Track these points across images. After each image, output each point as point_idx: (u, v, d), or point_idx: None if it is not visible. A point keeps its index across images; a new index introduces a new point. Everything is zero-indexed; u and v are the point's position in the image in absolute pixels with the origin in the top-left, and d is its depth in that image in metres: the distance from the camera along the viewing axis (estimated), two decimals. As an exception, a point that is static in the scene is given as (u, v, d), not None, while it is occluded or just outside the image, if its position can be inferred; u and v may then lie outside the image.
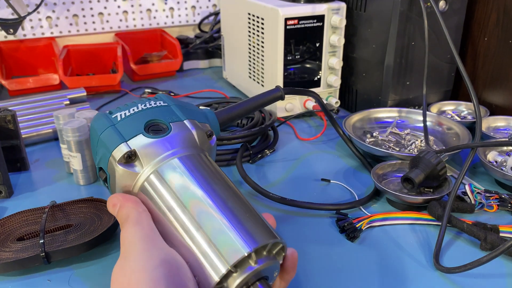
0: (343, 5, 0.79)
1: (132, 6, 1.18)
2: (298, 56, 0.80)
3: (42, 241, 0.47)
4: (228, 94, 0.98)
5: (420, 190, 0.59)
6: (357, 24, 0.83)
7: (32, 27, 1.10)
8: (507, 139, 0.70)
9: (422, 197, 0.56)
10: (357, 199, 0.60)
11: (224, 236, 0.33)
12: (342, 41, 0.81)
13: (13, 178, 0.65)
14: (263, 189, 0.59)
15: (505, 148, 0.67)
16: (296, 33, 0.78)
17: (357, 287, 0.45)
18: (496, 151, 0.66)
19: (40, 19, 1.10)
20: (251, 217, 0.35)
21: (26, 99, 0.83)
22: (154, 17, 1.22)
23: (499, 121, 0.76)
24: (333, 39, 0.80)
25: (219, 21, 1.18)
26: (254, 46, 0.86)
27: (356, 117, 0.76)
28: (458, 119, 0.80)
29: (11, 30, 0.98)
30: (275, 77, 0.81)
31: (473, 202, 0.57)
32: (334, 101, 0.84)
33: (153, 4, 1.20)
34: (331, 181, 0.64)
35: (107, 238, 0.51)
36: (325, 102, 0.84)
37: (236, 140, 0.70)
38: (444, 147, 0.70)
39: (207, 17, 1.24)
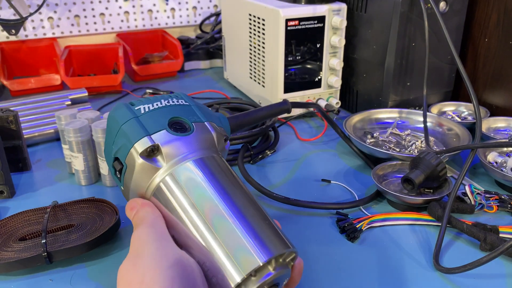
0: (344, 6, 0.79)
1: (133, 6, 1.18)
2: (299, 57, 0.81)
3: (44, 241, 0.48)
4: (229, 94, 0.98)
5: (420, 190, 0.59)
6: (357, 25, 0.83)
7: (33, 28, 1.10)
8: (507, 140, 0.70)
9: (422, 198, 0.56)
10: (357, 198, 0.60)
11: (241, 244, 0.33)
12: (343, 42, 0.81)
13: (15, 178, 0.65)
14: (265, 188, 0.59)
15: (505, 149, 0.67)
16: (296, 34, 0.78)
17: (357, 287, 0.46)
18: (496, 152, 0.66)
19: (41, 20, 1.10)
20: (267, 225, 0.35)
21: (28, 100, 0.83)
22: (155, 18, 1.22)
23: (500, 122, 0.76)
24: (334, 40, 0.80)
25: (220, 22, 1.18)
26: (255, 47, 0.87)
27: (356, 118, 0.77)
28: (459, 120, 0.80)
29: (13, 31, 0.99)
30: (276, 77, 0.81)
31: (473, 203, 0.57)
32: (334, 101, 0.85)
33: (154, 5, 1.20)
34: (331, 181, 0.64)
35: (108, 238, 0.52)
36: (325, 102, 0.84)
37: (237, 140, 0.70)
38: (444, 148, 0.70)
39: (208, 17, 1.24)
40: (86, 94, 0.88)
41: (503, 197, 0.58)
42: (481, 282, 0.46)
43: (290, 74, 0.81)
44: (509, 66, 0.78)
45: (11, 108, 0.66)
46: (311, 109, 0.83)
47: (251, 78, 0.92)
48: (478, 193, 0.58)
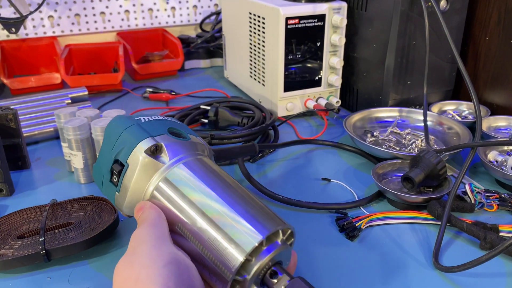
0: (344, 5, 0.79)
1: (133, 5, 1.18)
2: (299, 56, 0.80)
3: (42, 238, 0.48)
4: (229, 93, 0.98)
5: (420, 189, 0.59)
6: (358, 24, 0.83)
7: (34, 26, 1.10)
8: (507, 138, 0.70)
9: (422, 197, 0.56)
10: (357, 198, 0.60)
11: (238, 227, 0.35)
12: (343, 40, 0.81)
13: (14, 177, 0.65)
14: (267, 189, 0.59)
15: (505, 147, 0.67)
16: (297, 33, 0.78)
17: (356, 286, 0.45)
18: (496, 151, 0.66)
19: (42, 18, 1.10)
20: (259, 208, 0.37)
21: (28, 98, 0.83)
22: (156, 17, 1.22)
23: (500, 121, 0.76)
24: (334, 38, 0.80)
25: (220, 21, 1.18)
26: (255, 46, 0.86)
27: (356, 117, 0.76)
28: (459, 118, 0.80)
29: (13, 29, 0.99)
30: (276, 76, 0.81)
31: (473, 201, 0.57)
32: (335, 100, 0.85)
33: (154, 4, 1.20)
34: (331, 180, 0.64)
35: (107, 236, 0.51)
36: (326, 101, 0.84)
37: (237, 139, 0.70)
38: (444, 147, 0.70)
39: (208, 16, 1.24)
40: (86, 92, 0.88)
41: (503, 195, 0.57)
42: (480, 281, 0.46)
43: (290, 73, 0.81)
44: (509, 65, 0.78)
45: (11, 107, 0.66)
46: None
47: (251, 77, 0.91)
48: (478, 192, 0.57)
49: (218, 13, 1.22)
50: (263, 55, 0.84)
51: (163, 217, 0.37)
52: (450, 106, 0.84)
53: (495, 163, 0.64)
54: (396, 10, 0.73)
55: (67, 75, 0.95)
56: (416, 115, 0.77)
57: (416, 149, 0.69)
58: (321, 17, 0.78)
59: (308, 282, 0.33)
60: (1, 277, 0.47)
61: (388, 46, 0.76)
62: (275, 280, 0.34)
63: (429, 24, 0.73)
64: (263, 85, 0.86)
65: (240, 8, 0.90)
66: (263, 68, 0.85)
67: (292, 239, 0.38)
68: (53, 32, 1.12)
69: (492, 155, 0.65)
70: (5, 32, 1.05)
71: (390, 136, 0.74)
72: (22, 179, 0.65)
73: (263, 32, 0.82)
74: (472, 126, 0.73)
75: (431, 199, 0.55)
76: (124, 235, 0.53)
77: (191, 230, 0.36)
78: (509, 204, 0.57)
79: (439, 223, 0.53)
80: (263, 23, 0.81)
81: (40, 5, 1.01)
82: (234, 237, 0.34)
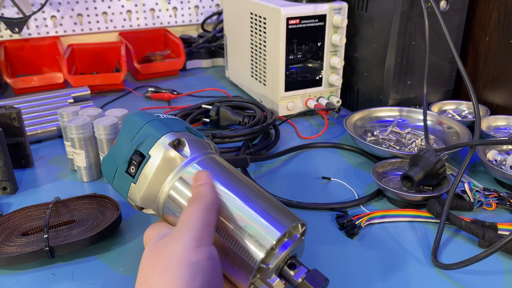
0: (345, 5, 0.80)
1: (136, 5, 1.19)
2: (300, 56, 0.81)
3: (46, 235, 0.48)
4: (230, 93, 0.99)
5: (420, 188, 0.59)
6: (358, 24, 0.83)
7: (37, 26, 1.11)
8: (506, 138, 0.70)
9: (421, 195, 0.56)
10: (357, 197, 0.60)
11: (257, 224, 0.37)
12: (344, 40, 0.81)
13: (17, 175, 0.66)
14: (265, 190, 0.60)
15: (504, 147, 0.67)
16: (298, 33, 0.78)
17: (356, 283, 0.46)
18: (495, 150, 0.66)
19: (45, 18, 1.11)
20: (275, 206, 0.39)
21: (31, 97, 0.84)
22: (158, 17, 1.22)
23: (500, 121, 0.76)
24: (335, 38, 0.81)
25: (222, 21, 1.18)
26: (256, 46, 0.87)
27: (357, 116, 0.77)
28: (459, 118, 0.80)
29: (16, 29, 1.00)
30: (277, 76, 0.81)
31: (472, 200, 0.57)
32: (335, 100, 0.85)
33: (156, 4, 1.21)
34: (331, 179, 0.65)
35: (110, 234, 0.52)
36: (326, 101, 0.84)
37: (238, 138, 0.71)
38: (444, 146, 0.70)
39: (210, 16, 1.25)
40: (89, 92, 0.89)
41: (502, 194, 0.58)
42: (479, 278, 0.46)
43: (291, 73, 0.82)
44: (509, 65, 0.78)
45: (15, 106, 0.66)
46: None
47: (252, 76, 0.92)
48: (477, 191, 0.58)
49: (219, 13, 1.23)
50: (264, 55, 0.84)
51: (217, 201, 0.37)
52: (450, 105, 0.84)
53: (494, 162, 0.65)
54: (396, 11, 0.74)
55: (69, 75, 0.95)
56: (416, 115, 0.78)
57: (416, 149, 0.70)
58: (322, 17, 0.79)
59: (323, 274, 0.36)
60: (5, 273, 0.47)
61: (388, 46, 0.77)
62: (293, 272, 0.36)
63: (429, 24, 0.73)
64: (264, 84, 0.87)
65: (241, 8, 0.90)
66: (264, 67, 0.85)
67: (304, 236, 0.40)
68: (56, 32, 1.13)
69: (491, 154, 0.66)
70: (8, 32, 1.06)
71: (390, 135, 0.74)
72: (26, 178, 0.66)
73: (264, 32, 0.82)
74: (471, 126, 0.74)
75: (430, 198, 0.56)
76: (126, 232, 0.54)
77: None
78: (508, 203, 0.57)
79: (438, 221, 0.54)
80: (264, 23, 0.82)
81: (43, 5, 1.01)
82: (255, 236, 0.36)
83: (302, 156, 0.72)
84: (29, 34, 1.10)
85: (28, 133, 0.72)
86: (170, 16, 1.24)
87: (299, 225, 0.39)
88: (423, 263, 0.49)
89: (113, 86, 1.00)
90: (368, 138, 0.73)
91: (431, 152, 0.58)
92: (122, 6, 1.17)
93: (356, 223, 0.54)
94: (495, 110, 0.82)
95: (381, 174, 0.63)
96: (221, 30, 1.16)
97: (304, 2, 0.79)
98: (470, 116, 0.81)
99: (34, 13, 1.00)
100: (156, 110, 0.91)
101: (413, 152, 0.63)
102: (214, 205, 0.37)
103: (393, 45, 0.76)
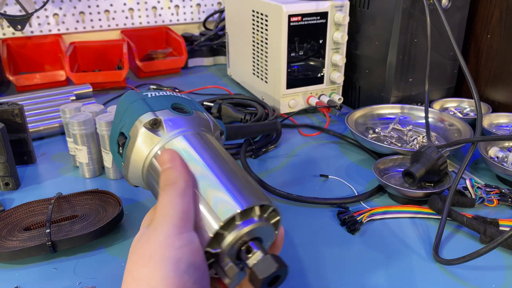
0: (347, 2, 0.80)
1: (137, 3, 1.19)
2: (302, 53, 0.81)
3: (48, 230, 0.49)
4: (232, 91, 0.99)
5: (421, 184, 0.59)
6: (360, 21, 0.83)
7: (39, 24, 1.11)
8: (508, 134, 0.70)
9: (422, 191, 0.56)
10: (356, 194, 0.61)
11: (221, 197, 0.35)
12: (346, 38, 0.81)
13: (20, 171, 0.66)
14: (267, 184, 0.60)
15: (506, 143, 0.67)
16: (299, 30, 0.78)
17: (358, 278, 0.46)
18: (497, 147, 0.66)
19: (47, 16, 1.11)
20: (247, 183, 0.37)
21: (33, 95, 0.84)
22: (160, 15, 1.23)
23: (501, 118, 0.76)
24: (337, 36, 0.81)
25: (223, 19, 1.18)
26: (258, 43, 0.87)
27: (358, 113, 0.77)
28: (461, 116, 0.80)
29: (19, 27, 1.00)
30: (279, 73, 0.81)
31: (473, 196, 0.57)
32: (337, 97, 0.85)
33: (158, 2, 1.21)
34: (329, 176, 0.65)
35: (111, 229, 0.52)
36: (328, 98, 0.84)
37: (240, 135, 0.71)
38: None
39: (211, 14, 1.25)
40: (91, 89, 0.89)
41: (503, 191, 0.58)
42: (480, 273, 0.46)
43: (293, 70, 0.82)
44: (511, 62, 0.78)
45: (17, 102, 0.67)
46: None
47: (254, 74, 0.92)
48: (478, 187, 0.58)
49: (221, 11, 1.23)
50: (266, 52, 0.84)
51: (191, 183, 0.36)
52: (451, 103, 0.84)
53: (496, 159, 0.65)
54: (398, 8, 0.74)
55: (71, 72, 0.96)
56: (418, 112, 0.78)
57: (417, 146, 0.70)
58: (324, 15, 0.79)
59: (281, 261, 0.32)
60: (8, 268, 0.48)
61: (390, 43, 0.77)
62: (250, 255, 0.33)
63: (431, 21, 0.73)
64: (266, 82, 0.87)
65: (243, 6, 0.90)
66: (266, 65, 0.86)
67: (278, 218, 0.37)
68: (58, 29, 1.13)
69: (493, 151, 0.66)
70: (11, 29, 1.06)
71: (391, 132, 0.74)
72: (28, 174, 0.66)
73: (266, 30, 0.82)
74: (473, 123, 0.74)
75: (431, 194, 0.56)
76: (128, 228, 0.54)
77: None
78: (510, 199, 0.57)
79: (440, 217, 0.54)
80: (266, 20, 0.82)
81: (45, 3, 1.02)
82: (214, 208, 0.34)
83: (304, 153, 0.72)
84: (32, 32, 1.11)
85: (30, 130, 0.72)
86: (172, 14, 1.24)
87: (259, 208, 0.35)
88: (424, 258, 0.49)
89: (115, 83, 1.01)
90: (369, 135, 0.73)
91: (433, 149, 0.58)
92: (124, 4, 1.18)
93: (358, 219, 0.54)
94: (496, 107, 0.82)
95: (382, 170, 0.63)
96: (223, 28, 1.16)
97: (306, -1, 0.79)
98: (471, 114, 0.81)
99: (36, 10, 1.01)
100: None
101: (414, 149, 0.63)
102: (188, 188, 0.36)
103: (395, 42, 0.76)
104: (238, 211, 0.33)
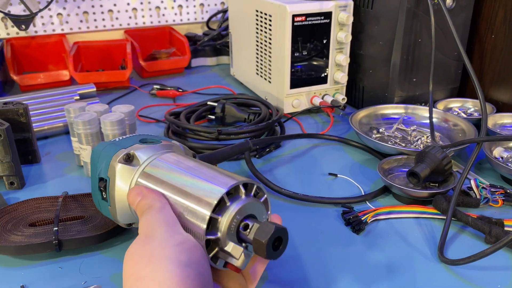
0: (351, 2, 0.80)
1: (141, 3, 1.19)
2: (305, 53, 0.81)
3: (56, 228, 0.49)
4: (235, 91, 0.99)
5: (426, 184, 0.59)
6: (364, 21, 0.83)
7: (43, 24, 1.11)
8: (513, 135, 0.70)
9: (427, 191, 0.56)
10: (363, 193, 0.61)
11: (202, 189, 0.37)
12: (349, 38, 0.81)
13: (24, 170, 0.66)
14: (273, 183, 0.60)
15: (511, 144, 0.67)
16: (303, 30, 0.78)
17: (362, 278, 0.46)
18: (502, 147, 0.66)
19: (51, 16, 1.11)
20: (222, 172, 0.39)
21: (37, 94, 0.85)
22: (163, 15, 1.23)
23: (506, 118, 0.76)
24: (340, 36, 0.81)
25: (227, 19, 1.18)
26: (261, 43, 0.87)
27: (362, 113, 0.77)
28: (465, 116, 0.80)
29: (23, 26, 1.00)
30: (283, 73, 0.81)
31: (478, 196, 0.57)
32: (341, 97, 0.85)
33: (162, 2, 1.21)
34: (338, 175, 0.65)
35: (118, 232, 0.52)
36: (332, 98, 0.84)
37: (244, 134, 0.71)
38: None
39: (215, 14, 1.25)
40: (94, 89, 0.90)
41: (508, 191, 0.58)
42: (485, 274, 0.46)
43: (296, 70, 0.82)
44: (515, 62, 0.78)
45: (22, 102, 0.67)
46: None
47: (257, 74, 0.92)
48: (483, 187, 0.58)
49: (224, 11, 1.23)
50: (270, 52, 0.84)
51: (167, 202, 0.38)
52: (455, 103, 0.84)
53: (501, 159, 0.65)
54: (402, 8, 0.74)
55: (75, 72, 0.96)
56: (422, 112, 0.77)
57: (421, 146, 0.70)
58: (328, 15, 0.79)
59: (277, 224, 0.34)
60: (13, 266, 0.48)
61: (394, 43, 0.77)
62: (248, 231, 0.35)
63: (435, 21, 0.73)
64: (269, 82, 0.87)
65: (246, 6, 0.90)
66: (270, 65, 0.86)
67: (265, 196, 0.39)
68: (62, 29, 1.14)
69: (498, 151, 0.66)
70: (15, 29, 1.06)
71: (395, 132, 0.74)
72: (33, 173, 0.66)
73: (270, 30, 0.82)
74: (477, 124, 0.74)
75: (436, 194, 0.56)
76: (134, 229, 0.54)
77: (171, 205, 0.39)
78: (514, 200, 0.57)
79: (444, 217, 0.54)
80: (270, 20, 0.82)
81: (49, 3, 1.02)
82: (200, 202, 0.36)
83: (308, 152, 0.72)
84: (36, 32, 1.11)
85: (34, 129, 0.72)
86: (175, 14, 1.24)
87: (242, 186, 0.37)
88: (429, 258, 0.49)
89: (118, 83, 1.01)
90: (373, 135, 0.73)
91: (437, 149, 0.58)
92: (128, 4, 1.18)
93: (362, 219, 0.54)
94: (501, 107, 0.81)
95: (387, 170, 0.63)
96: (226, 28, 1.16)
97: (309, -1, 0.79)
98: (476, 114, 0.81)
99: (40, 10, 1.01)
100: (161, 108, 0.91)
101: (418, 149, 0.62)
102: (165, 204, 0.37)
103: (399, 42, 0.76)
104: (224, 191, 0.35)
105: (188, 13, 1.25)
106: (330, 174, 0.65)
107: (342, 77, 0.84)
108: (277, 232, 0.33)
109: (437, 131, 0.73)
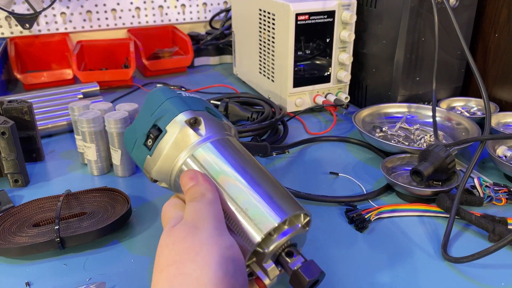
0: (354, 1, 0.80)
1: (144, 2, 1.19)
2: (309, 51, 0.81)
3: (57, 227, 0.49)
4: (238, 89, 0.99)
5: (429, 183, 0.59)
6: (367, 20, 0.83)
7: (47, 23, 1.12)
8: (517, 134, 0.70)
9: (430, 190, 0.56)
10: (365, 192, 0.61)
11: (258, 208, 0.37)
12: (353, 36, 0.81)
13: (28, 168, 0.66)
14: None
15: (514, 143, 0.67)
16: (306, 29, 0.79)
17: (365, 276, 0.46)
18: (505, 146, 0.66)
19: (54, 15, 1.12)
20: (281, 192, 0.39)
21: (41, 93, 0.85)
22: (166, 14, 1.23)
23: (509, 117, 0.76)
24: (344, 34, 0.81)
25: (230, 18, 1.19)
26: (264, 42, 0.87)
27: (365, 112, 0.77)
28: (468, 115, 0.80)
29: (27, 25, 1.01)
30: (286, 72, 0.81)
31: (481, 195, 0.57)
32: (344, 96, 0.85)
33: (165, 1, 1.21)
34: (339, 174, 0.65)
35: (120, 226, 0.53)
36: (335, 97, 0.85)
37: (247, 133, 0.71)
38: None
39: (218, 13, 1.25)
40: (98, 88, 0.90)
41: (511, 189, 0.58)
42: (489, 271, 0.46)
43: (299, 69, 0.82)
44: (519, 61, 0.78)
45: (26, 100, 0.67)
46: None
47: (260, 73, 0.92)
48: (487, 186, 0.58)
49: (227, 10, 1.23)
50: (273, 51, 0.84)
51: (218, 197, 0.37)
52: (459, 102, 0.84)
53: (504, 158, 0.65)
54: (406, 6, 0.74)
55: (79, 71, 0.96)
56: (425, 111, 0.77)
57: (424, 144, 0.70)
58: (331, 14, 0.79)
59: (322, 270, 0.35)
60: (19, 264, 0.48)
61: (397, 42, 0.77)
62: (291, 259, 0.36)
63: (438, 20, 0.73)
64: (272, 81, 0.87)
65: (249, 5, 0.90)
66: (273, 64, 0.86)
67: (308, 227, 0.39)
68: (65, 28, 1.14)
69: (501, 150, 0.66)
70: (19, 28, 1.07)
71: (399, 131, 0.74)
72: (37, 171, 0.67)
73: (273, 29, 0.82)
74: (481, 122, 0.74)
75: (440, 192, 0.56)
76: (137, 225, 0.54)
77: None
78: (518, 198, 0.57)
79: (448, 215, 0.54)
80: (273, 19, 0.82)
81: (53, 2, 1.02)
82: (255, 219, 0.36)
83: (311, 151, 0.72)
84: (39, 31, 1.11)
85: (39, 128, 0.73)
86: (178, 13, 1.24)
87: (302, 215, 0.38)
88: (432, 256, 0.49)
89: (122, 82, 1.01)
90: (376, 134, 0.73)
91: (441, 147, 0.58)
92: (131, 3, 1.18)
93: (366, 217, 0.54)
94: (504, 106, 0.81)
95: (390, 169, 0.63)
96: (229, 27, 1.16)
97: (313, -2, 0.79)
98: (479, 113, 0.81)
99: (44, 9, 1.01)
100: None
101: (422, 148, 0.62)
102: (216, 198, 0.37)
103: (402, 41, 0.76)
104: (277, 223, 0.35)
105: (191, 12, 1.25)
106: (331, 173, 0.65)
107: (345, 76, 0.84)
108: (320, 276, 0.35)
109: (440, 130, 0.73)
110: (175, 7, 1.23)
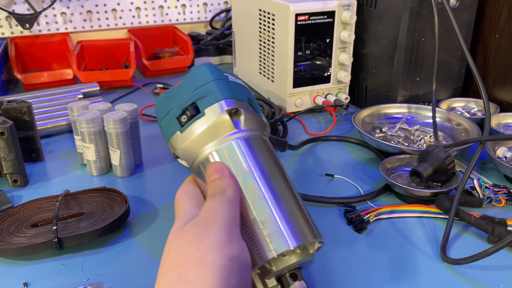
0: (354, 1, 0.80)
1: (144, 2, 1.19)
2: (309, 52, 0.81)
3: (55, 227, 0.49)
4: (238, 89, 0.99)
5: (428, 184, 0.59)
6: (367, 20, 0.83)
7: (47, 23, 1.12)
8: (517, 135, 0.70)
9: (430, 191, 0.56)
10: (362, 193, 0.60)
11: (277, 226, 0.35)
12: (352, 37, 0.81)
13: (28, 168, 0.66)
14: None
15: (514, 144, 0.67)
16: (306, 29, 0.78)
17: (364, 277, 0.46)
18: (505, 147, 0.66)
19: (55, 15, 1.12)
20: (301, 213, 0.37)
21: (41, 93, 0.85)
22: (166, 14, 1.23)
23: (509, 118, 0.76)
24: (344, 35, 0.81)
25: (230, 18, 1.18)
26: (264, 42, 0.87)
27: (365, 113, 0.77)
28: (468, 115, 0.80)
29: (27, 25, 1.01)
30: (285, 72, 0.81)
31: (481, 196, 0.57)
32: (344, 97, 0.85)
33: (165, 1, 1.21)
34: (334, 176, 0.65)
35: (118, 226, 0.53)
36: (335, 97, 0.84)
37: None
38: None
39: (218, 14, 1.25)
40: (98, 88, 0.90)
41: (511, 191, 0.58)
42: (488, 273, 0.46)
43: (299, 69, 0.82)
44: (520, 62, 0.77)
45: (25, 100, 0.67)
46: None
47: (260, 73, 0.92)
48: (486, 187, 0.58)
49: (228, 10, 1.23)
50: (273, 51, 0.84)
51: (239, 194, 0.36)
52: (459, 103, 0.84)
53: (504, 159, 0.64)
54: (406, 7, 0.73)
55: (79, 71, 0.96)
56: (425, 112, 0.77)
57: (424, 145, 0.70)
58: (331, 14, 0.79)
59: None
60: (17, 264, 0.48)
61: (397, 42, 0.77)
62: (294, 282, 0.35)
63: (438, 20, 0.73)
64: (272, 81, 0.87)
65: (250, 5, 0.90)
66: (273, 64, 0.86)
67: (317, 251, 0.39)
68: (66, 28, 1.14)
69: (501, 151, 0.65)
70: (19, 28, 1.07)
71: (398, 132, 0.74)
72: (36, 171, 0.67)
73: (273, 29, 0.82)
74: (480, 123, 0.73)
75: (439, 193, 0.56)
76: (135, 225, 0.54)
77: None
78: (518, 199, 0.57)
79: (447, 216, 0.54)
80: (273, 19, 0.82)
81: (53, 2, 1.02)
82: (273, 233, 0.35)
83: (310, 151, 0.72)
84: (39, 31, 1.11)
85: (38, 128, 0.72)
86: (179, 13, 1.24)
87: (316, 243, 0.37)
88: (431, 257, 0.49)
89: (122, 82, 1.01)
90: (376, 135, 0.73)
91: (440, 148, 0.57)
92: (131, 3, 1.18)
93: (365, 218, 0.54)
94: (504, 107, 0.81)
95: (389, 170, 0.62)
96: (229, 27, 1.16)
97: (313, -2, 0.79)
98: (479, 114, 0.81)
99: (44, 9, 1.01)
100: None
101: (421, 149, 0.62)
102: (237, 197, 0.36)
103: (402, 41, 0.76)
104: (291, 248, 0.34)
105: (191, 12, 1.25)
106: (327, 175, 0.65)
107: (345, 76, 0.84)
108: None
109: (440, 131, 0.73)
110: (176, 7, 1.23)
